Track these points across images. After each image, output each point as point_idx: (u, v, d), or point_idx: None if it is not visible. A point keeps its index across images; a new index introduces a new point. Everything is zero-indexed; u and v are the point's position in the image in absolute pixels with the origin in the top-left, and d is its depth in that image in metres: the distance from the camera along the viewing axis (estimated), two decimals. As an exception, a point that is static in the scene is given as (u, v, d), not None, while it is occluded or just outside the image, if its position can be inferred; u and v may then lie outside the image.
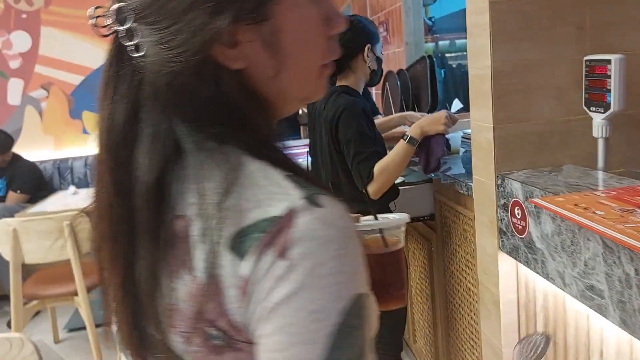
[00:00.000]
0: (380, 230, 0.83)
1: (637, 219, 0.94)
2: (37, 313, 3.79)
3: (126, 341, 0.57)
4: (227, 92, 0.54)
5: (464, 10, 1.53)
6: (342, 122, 1.89)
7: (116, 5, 0.53)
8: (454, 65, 3.03)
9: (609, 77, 1.32)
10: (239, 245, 0.48)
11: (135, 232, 0.54)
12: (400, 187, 2.11)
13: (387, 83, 3.23)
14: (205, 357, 0.51)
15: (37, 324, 3.84)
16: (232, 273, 0.48)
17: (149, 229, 0.53)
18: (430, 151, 1.90)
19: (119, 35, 0.54)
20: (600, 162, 1.41)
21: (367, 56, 2.01)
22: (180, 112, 0.54)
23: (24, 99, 5.35)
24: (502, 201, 1.42)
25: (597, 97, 1.37)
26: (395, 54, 3.50)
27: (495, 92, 1.43)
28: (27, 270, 3.24)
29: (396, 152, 1.86)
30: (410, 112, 2.43)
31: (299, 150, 4.33)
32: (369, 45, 2.01)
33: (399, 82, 3.14)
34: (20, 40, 5.30)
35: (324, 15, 0.57)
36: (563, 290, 1.17)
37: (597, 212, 0.99)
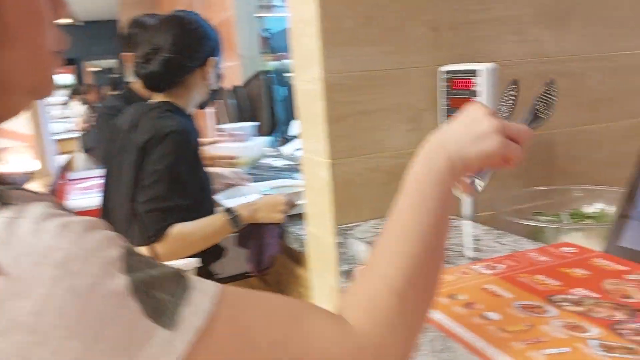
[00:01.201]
0: None
1: (552, 328, 0.56)
2: None
3: None
4: None
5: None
6: (160, 149, 1.38)
7: None
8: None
9: (473, 94, 0.98)
10: None
11: None
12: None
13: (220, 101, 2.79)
14: None
15: None
16: None
17: None
18: (263, 246, 1.47)
19: None
20: (467, 208, 1.06)
21: (209, 72, 1.53)
22: None
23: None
24: (345, 267, 1.01)
25: (461, 121, 1.02)
26: (229, 69, 3.07)
27: (329, 113, 1.03)
28: None
29: (207, 225, 1.40)
30: (221, 170, 1.94)
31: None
32: (213, 58, 1.53)
33: (235, 101, 2.73)
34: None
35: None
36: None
37: (487, 314, 0.60)
